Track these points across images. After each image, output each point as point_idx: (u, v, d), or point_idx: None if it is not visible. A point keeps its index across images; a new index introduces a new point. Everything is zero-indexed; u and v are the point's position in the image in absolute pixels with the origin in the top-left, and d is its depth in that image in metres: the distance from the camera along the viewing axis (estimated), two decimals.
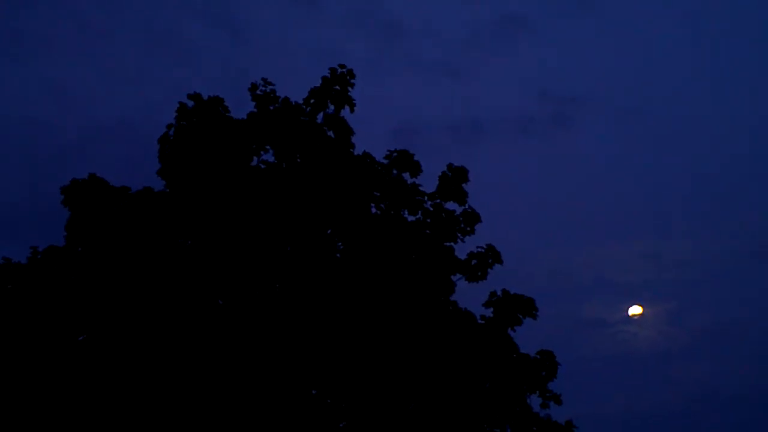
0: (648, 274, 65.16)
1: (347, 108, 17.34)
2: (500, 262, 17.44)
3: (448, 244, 17.51)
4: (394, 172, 17.61)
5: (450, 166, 17.96)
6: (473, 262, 17.41)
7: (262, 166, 16.87)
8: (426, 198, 17.70)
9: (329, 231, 16.77)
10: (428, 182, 17.92)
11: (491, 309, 17.04)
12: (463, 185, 17.91)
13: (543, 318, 17.21)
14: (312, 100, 17.32)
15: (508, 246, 17.95)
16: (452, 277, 17.36)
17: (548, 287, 57.71)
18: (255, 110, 17.16)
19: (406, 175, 17.73)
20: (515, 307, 16.97)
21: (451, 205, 17.87)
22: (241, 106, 17.35)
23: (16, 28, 75.85)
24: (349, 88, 17.37)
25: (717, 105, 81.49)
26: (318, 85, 17.32)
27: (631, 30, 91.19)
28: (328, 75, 17.27)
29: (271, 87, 17.26)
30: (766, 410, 50.45)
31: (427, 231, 17.47)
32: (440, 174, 17.90)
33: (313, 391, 15.98)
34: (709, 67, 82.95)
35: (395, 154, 17.72)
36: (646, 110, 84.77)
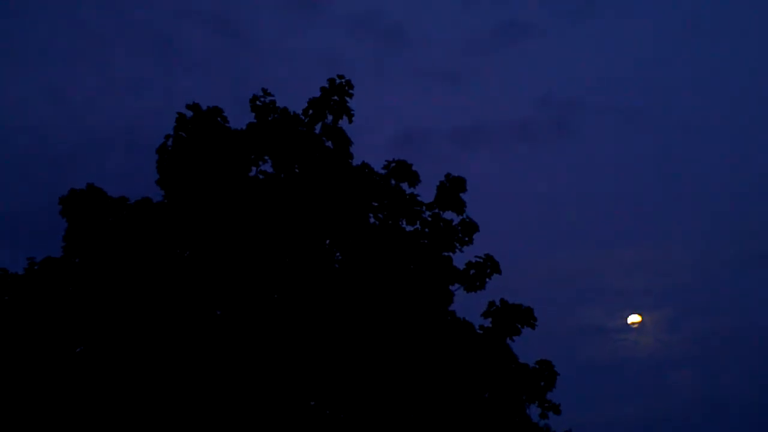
0: (648, 280, 65.03)
1: (345, 118, 17.42)
2: (499, 272, 17.42)
3: (446, 254, 17.51)
4: (393, 182, 17.65)
5: (448, 176, 17.98)
6: (471, 272, 17.40)
7: (261, 177, 16.91)
8: (424, 208, 17.73)
9: (327, 241, 16.79)
10: (427, 191, 18.00)
11: (490, 319, 17.01)
12: (462, 195, 17.94)
13: (541, 325, 17.20)
14: (311, 111, 17.39)
15: (507, 252, 17.92)
16: (450, 287, 17.35)
17: (548, 293, 57.67)
18: (254, 120, 17.21)
19: (405, 185, 17.78)
20: (514, 317, 16.93)
21: (449, 215, 17.91)
22: (242, 113, 17.46)
23: (15, 34, 75.99)
24: (348, 99, 17.44)
25: (718, 110, 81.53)
26: (317, 94, 17.38)
27: (632, 34, 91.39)
28: (327, 86, 17.33)
29: (270, 98, 17.32)
30: (766, 417, 50.34)
31: (425, 241, 17.47)
32: (438, 184, 17.93)
33: (312, 402, 15.98)
34: (712, 71, 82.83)
35: (393, 164, 17.79)
36: (647, 116, 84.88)
